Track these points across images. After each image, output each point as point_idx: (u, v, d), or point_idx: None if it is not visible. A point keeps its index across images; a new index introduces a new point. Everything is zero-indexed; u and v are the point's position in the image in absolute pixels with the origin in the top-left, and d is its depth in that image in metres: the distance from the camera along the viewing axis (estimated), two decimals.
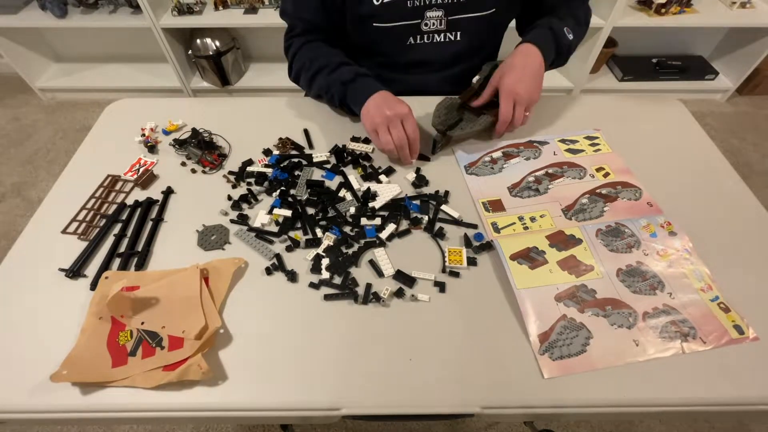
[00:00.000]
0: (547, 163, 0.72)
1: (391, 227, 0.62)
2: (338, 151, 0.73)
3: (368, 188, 0.68)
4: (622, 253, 0.58)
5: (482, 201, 0.66)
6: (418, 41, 0.78)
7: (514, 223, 0.63)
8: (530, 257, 0.57)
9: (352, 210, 0.65)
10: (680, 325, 0.52)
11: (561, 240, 0.59)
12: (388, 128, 0.66)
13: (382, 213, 0.65)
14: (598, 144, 0.75)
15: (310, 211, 0.65)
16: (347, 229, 0.63)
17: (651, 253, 0.58)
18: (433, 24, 0.75)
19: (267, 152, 0.75)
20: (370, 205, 0.65)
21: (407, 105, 0.68)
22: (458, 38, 0.78)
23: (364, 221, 0.63)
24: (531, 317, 0.52)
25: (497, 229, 0.62)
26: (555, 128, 0.79)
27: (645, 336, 0.51)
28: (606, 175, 0.69)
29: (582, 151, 0.74)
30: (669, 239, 0.60)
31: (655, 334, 0.51)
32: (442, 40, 0.78)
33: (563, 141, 0.75)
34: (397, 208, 0.65)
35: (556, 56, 0.75)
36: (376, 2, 0.72)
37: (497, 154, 0.73)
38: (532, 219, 0.63)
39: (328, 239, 0.61)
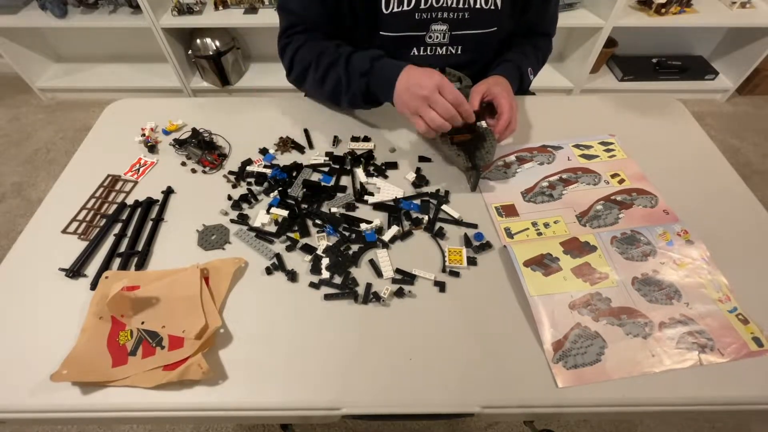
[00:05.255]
0: (561, 169, 0.71)
1: (394, 229, 0.62)
2: (336, 154, 0.73)
3: (362, 184, 0.68)
4: (637, 261, 0.57)
5: (495, 206, 0.66)
6: (421, 53, 0.79)
7: (528, 228, 0.63)
8: (544, 264, 0.57)
9: (342, 209, 0.65)
10: (698, 336, 0.51)
11: (575, 247, 0.59)
12: (430, 107, 0.62)
13: (376, 214, 0.65)
14: (612, 150, 0.74)
15: (305, 207, 0.65)
16: (342, 228, 0.63)
17: (667, 262, 0.57)
18: (437, 37, 0.77)
19: (263, 151, 0.75)
20: (365, 198, 0.66)
21: (436, 72, 0.63)
22: (459, 52, 0.80)
23: (363, 226, 0.63)
24: (545, 325, 0.52)
25: (510, 235, 0.62)
26: (555, 128, 0.79)
27: (662, 346, 0.50)
28: (621, 181, 0.69)
29: (597, 156, 0.73)
30: (686, 248, 0.59)
31: (672, 344, 0.50)
32: (444, 53, 0.80)
33: (578, 146, 0.75)
34: (395, 211, 0.65)
35: (517, 91, 0.78)
36: (385, 11, 0.72)
37: (510, 159, 0.73)
38: (546, 225, 0.63)
39: (322, 240, 0.61)
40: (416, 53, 0.79)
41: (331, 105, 0.82)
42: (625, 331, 0.51)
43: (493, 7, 0.74)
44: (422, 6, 0.72)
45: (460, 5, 0.73)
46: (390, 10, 0.72)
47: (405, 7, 0.72)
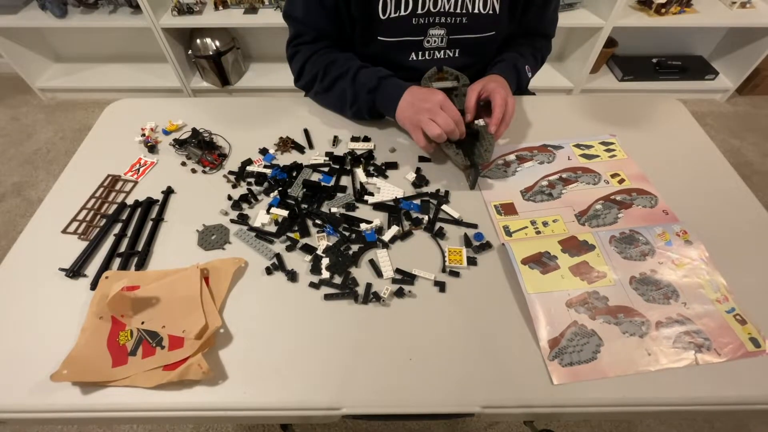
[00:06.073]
0: (562, 168, 0.71)
1: (394, 229, 0.62)
2: (336, 154, 0.73)
3: (362, 184, 0.69)
4: (635, 260, 0.57)
5: (494, 204, 0.66)
6: (419, 57, 0.80)
7: (527, 227, 0.63)
8: (542, 262, 0.57)
9: (342, 209, 0.65)
10: (694, 335, 0.51)
11: (574, 245, 0.59)
12: (431, 119, 0.65)
13: (377, 214, 0.65)
14: (613, 150, 0.74)
15: (305, 207, 0.66)
16: (342, 228, 0.63)
17: (666, 261, 0.57)
18: (435, 41, 0.77)
19: (263, 151, 0.75)
20: (365, 198, 0.66)
21: (440, 92, 0.68)
22: (457, 55, 0.80)
23: (363, 226, 0.63)
24: (541, 322, 0.52)
25: (509, 233, 0.62)
26: (555, 128, 0.79)
27: (658, 345, 0.50)
28: (621, 181, 0.69)
29: (597, 156, 0.73)
30: (685, 248, 0.59)
31: (669, 343, 0.50)
32: (442, 56, 0.80)
33: (578, 146, 0.75)
34: (395, 211, 0.65)
35: (515, 89, 0.80)
36: (382, 17, 0.72)
37: (510, 158, 0.73)
38: (545, 223, 0.63)
39: (322, 240, 0.61)
40: (414, 58, 0.79)
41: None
42: (621, 330, 0.51)
43: (491, 12, 0.74)
44: (419, 11, 0.72)
45: (458, 10, 0.73)
46: (387, 15, 0.72)
47: (402, 13, 0.72)
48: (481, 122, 0.71)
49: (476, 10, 0.73)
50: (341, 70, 0.75)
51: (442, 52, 0.79)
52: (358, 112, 0.77)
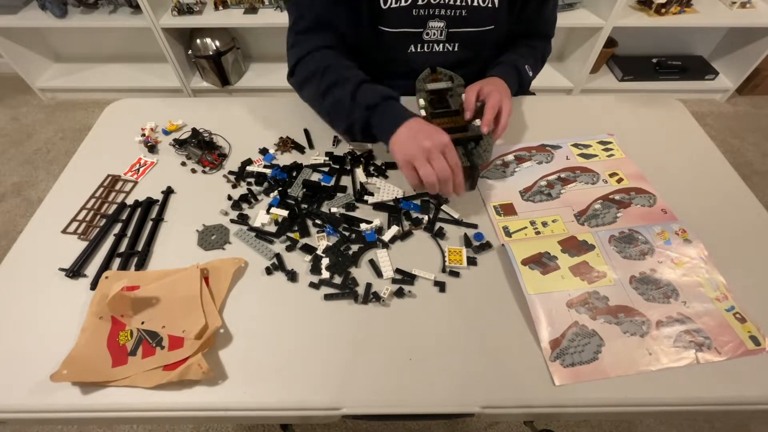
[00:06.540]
0: (560, 168, 0.71)
1: (394, 229, 0.62)
2: (336, 153, 0.73)
3: (362, 184, 0.69)
4: (635, 260, 0.58)
5: (494, 204, 0.66)
6: (419, 50, 0.79)
7: (526, 227, 0.63)
8: (542, 262, 0.57)
9: (342, 209, 0.65)
10: (695, 334, 0.51)
11: (573, 246, 0.59)
12: (428, 160, 0.58)
13: (377, 214, 0.65)
14: (611, 149, 0.75)
15: (305, 207, 0.66)
16: (342, 228, 0.63)
17: (665, 260, 0.57)
18: (434, 34, 0.77)
19: (263, 151, 0.75)
20: (365, 198, 0.67)
21: (446, 134, 0.60)
22: (456, 49, 0.80)
23: (363, 226, 0.63)
24: (542, 323, 0.52)
25: (508, 233, 0.62)
26: (554, 128, 0.79)
27: (658, 345, 0.50)
28: (619, 180, 0.69)
29: (595, 155, 0.73)
30: (684, 247, 0.59)
31: (669, 342, 0.50)
32: (441, 50, 0.80)
33: (576, 145, 0.75)
34: (395, 211, 0.65)
35: (518, 88, 0.81)
36: (383, 6, 0.72)
37: (509, 158, 0.73)
38: (544, 224, 0.63)
39: (322, 240, 0.61)
40: (413, 50, 0.79)
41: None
42: (622, 330, 0.51)
43: (490, 6, 0.74)
44: (419, 2, 0.72)
45: (458, 3, 0.73)
46: (388, 5, 0.72)
47: (402, 3, 0.72)
48: (478, 122, 0.71)
49: (476, 3, 0.73)
50: (341, 76, 0.69)
51: (441, 45, 0.79)
52: (350, 128, 0.70)
